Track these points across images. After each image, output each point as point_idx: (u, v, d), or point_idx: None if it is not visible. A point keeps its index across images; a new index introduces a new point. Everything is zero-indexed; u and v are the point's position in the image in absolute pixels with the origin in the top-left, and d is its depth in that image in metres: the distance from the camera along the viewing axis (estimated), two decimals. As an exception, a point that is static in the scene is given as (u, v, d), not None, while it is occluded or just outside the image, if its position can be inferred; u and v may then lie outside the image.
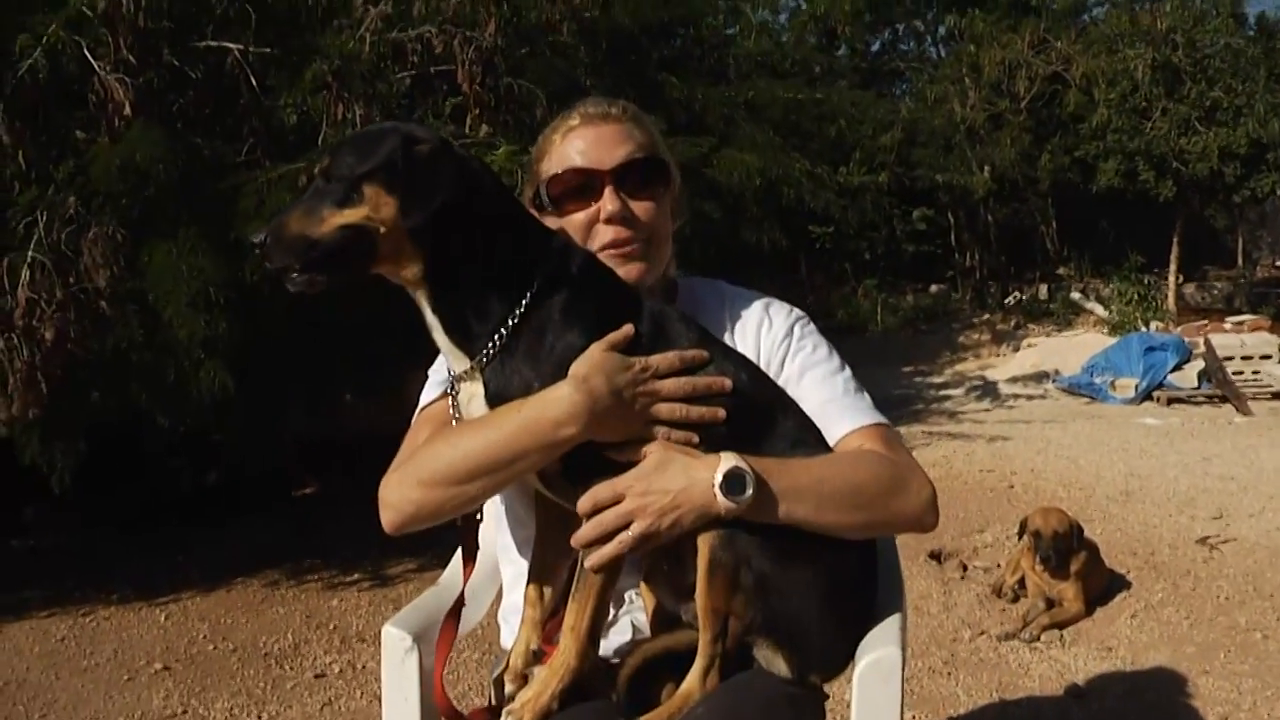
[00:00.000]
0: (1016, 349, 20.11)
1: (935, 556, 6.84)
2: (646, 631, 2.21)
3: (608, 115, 2.20)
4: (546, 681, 1.93)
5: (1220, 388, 14.36)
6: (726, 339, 2.22)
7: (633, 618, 2.25)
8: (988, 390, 16.43)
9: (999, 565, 6.63)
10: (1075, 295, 24.59)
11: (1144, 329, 18.91)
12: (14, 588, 6.74)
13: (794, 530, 1.92)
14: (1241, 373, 14.68)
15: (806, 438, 2.07)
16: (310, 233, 1.83)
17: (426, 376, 2.33)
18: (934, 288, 28.43)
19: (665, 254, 2.25)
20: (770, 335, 2.27)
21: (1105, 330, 20.26)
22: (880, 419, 2.17)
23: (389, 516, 2.02)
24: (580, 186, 2.15)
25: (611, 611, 2.14)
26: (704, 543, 1.90)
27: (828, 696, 2.12)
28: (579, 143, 2.17)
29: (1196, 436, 11.82)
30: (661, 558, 2.01)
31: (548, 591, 2.13)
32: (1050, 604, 5.86)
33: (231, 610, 6.32)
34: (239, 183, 5.75)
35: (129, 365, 5.79)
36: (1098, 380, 15.35)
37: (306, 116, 6.28)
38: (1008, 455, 10.76)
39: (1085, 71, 22.83)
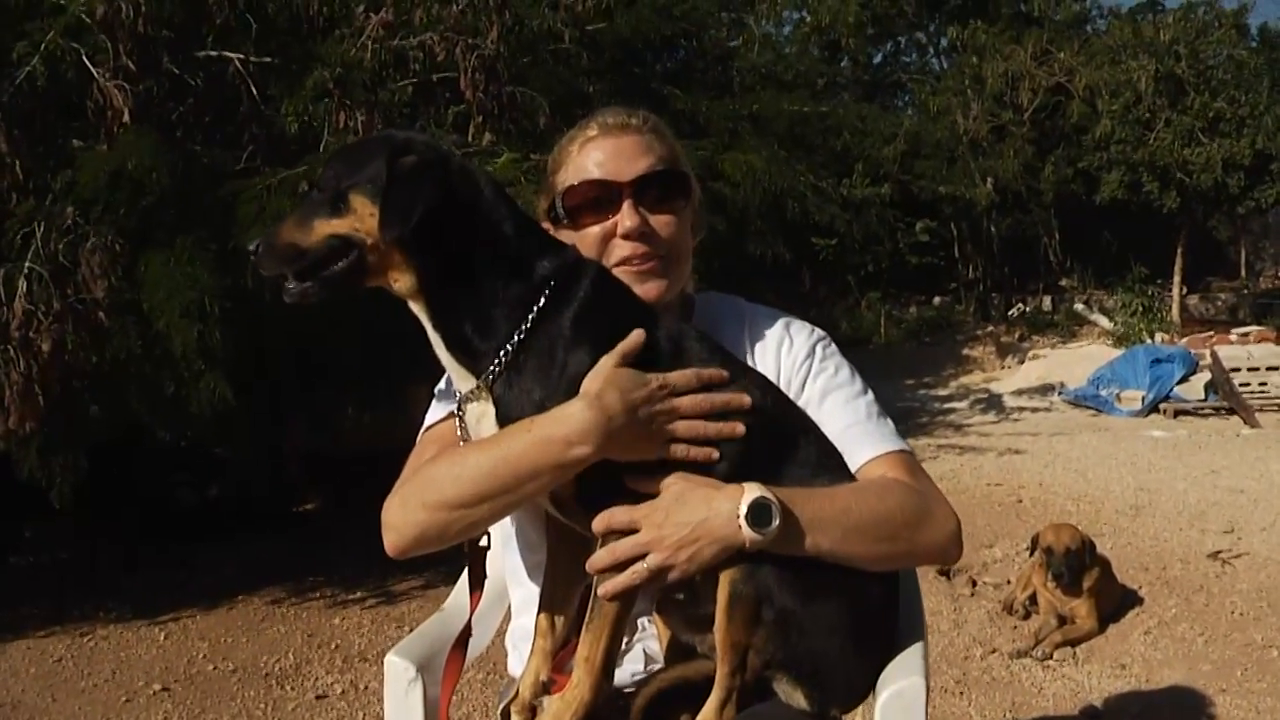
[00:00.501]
0: (1022, 361, 20.06)
1: (944, 573, 6.74)
2: (660, 660, 2.13)
3: (627, 126, 2.10)
4: (558, 715, 1.83)
5: (1227, 399, 14.30)
6: (745, 357, 2.13)
7: (645, 646, 2.17)
8: (993, 403, 16.38)
9: (1009, 581, 6.55)
10: (1079, 307, 24.56)
11: (1149, 341, 18.84)
12: (13, 605, 6.66)
13: (816, 560, 1.84)
14: (1248, 384, 14.61)
15: (828, 463, 1.98)
16: (300, 242, 1.80)
17: (432, 392, 2.24)
18: (937, 299, 28.43)
19: (685, 271, 2.16)
20: (791, 355, 2.17)
21: (1110, 342, 20.21)
22: (903, 446, 2.09)
23: (391, 539, 1.93)
24: (597, 199, 2.06)
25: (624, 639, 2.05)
26: (724, 575, 1.81)
27: None
28: (597, 154, 2.08)
29: (1204, 449, 11.74)
30: (675, 586, 1.92)
31: (559, 620, 2.03)
32: (1062, 621, 5.77)
33: (232, 629, 6.23)
34: (238, 191, 5.68)
35: (128, 377, 5.71)
36: (1104, 393, 15.28)
37: (308, 125, 6.21)
38: (1015, 469, 10.69)
39: (1088, 83, 22.86)
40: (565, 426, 1.77)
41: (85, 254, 5.32)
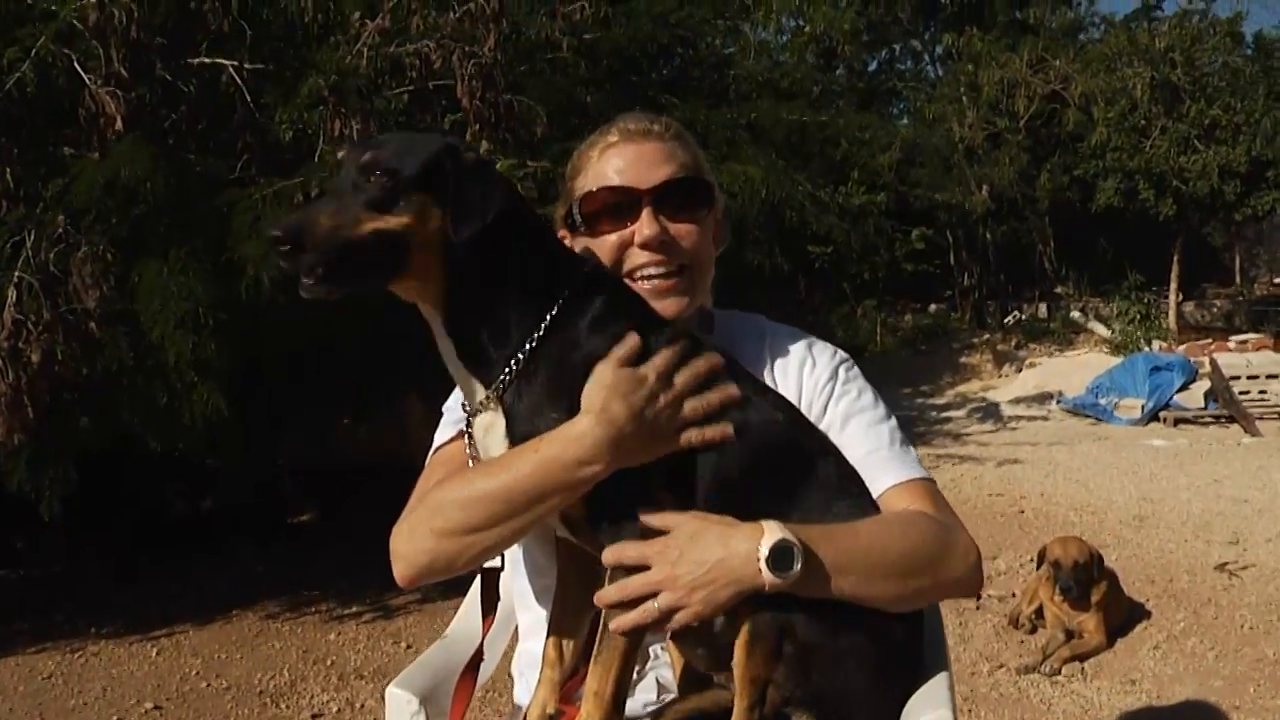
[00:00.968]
0: (1019, 369, 20.01)
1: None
2: (673, 689, 2.05)
3: (649, 132, 2.03)
4: (570, 750, 1.75)
5: (1227, 408, 14.24)
6: (766, 377, 2.06)
7: (659, 674, 2.09)
8: (990, 412, 16.31)
9: (1014, 594, 6.47)
10: (1075, 314, 24.52)
11: (1147, 348, 18.79)
12: (1, 620, 6.55)
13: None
14: (1248, 392, 14.56)
15: (849, 487, 1.90)
16: (346, 235, 1.63)
17: (437, 410, 2.15)
18: (933, 307, 28.37)
19: (705, 283, 2.07)
20: (813, 376, 2.09)
21: (1107, 350, 20.15)
22: (925, 474, 2.01)
23: (401, 569, 1.86)
24: (616, 206, 1.98)
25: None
26: (744, 607, 1.73)
27: None
28: (617, 160, 2.00)
29: (1205, 458, 11.67)
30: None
31: (567, 648, 1.95)
32: (1070, 635, 5.68)
33: (226, 645, 6.13)
34: (232, 200, 5.59)
35: (119, 388, 5.62)
36: (1103, 401, 15.22)
37: (302, 133, 6.13)
38: (1016, 479, 10.61)
39: (1084, 90, 22.78)
40: (574, 447, 1.69)
41: (76, 263, 5.23)
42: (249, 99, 5.88)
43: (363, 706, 5.18)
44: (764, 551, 1.67)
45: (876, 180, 20.93)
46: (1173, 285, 24.37)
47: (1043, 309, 27.01)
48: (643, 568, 1.71)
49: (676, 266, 1.99)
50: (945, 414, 16.43)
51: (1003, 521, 8.68)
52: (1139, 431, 13.93)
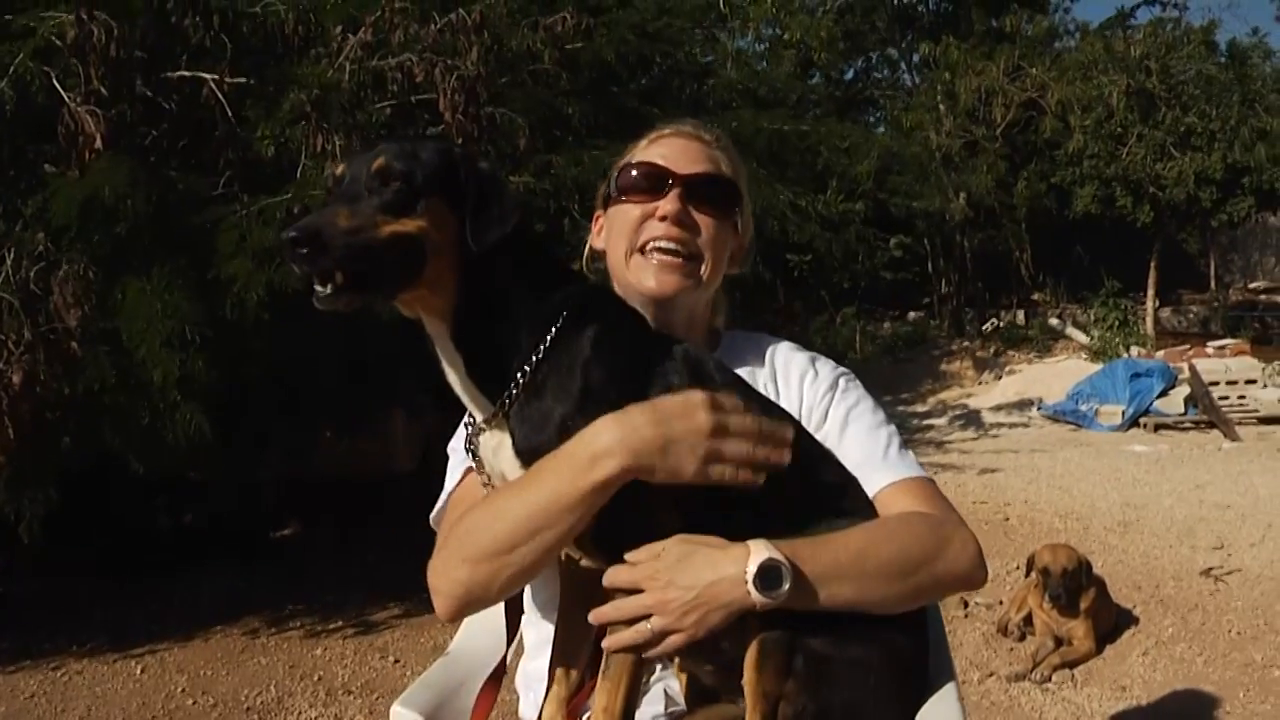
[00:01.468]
0: (999, 376, 20.05)
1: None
2: (681, 701, 2.05)
3: (700, 136, 2.17)
4: (580, 767, 1.74)
5: (1207, 413, 14.32)
6: (767, 390, 2.08)
7: (666, 685, 2.09)
8: (972, 419, 16.35)
9: (1001, 602, 6.47)
10: (1053, 321, 24.59)
11: (1126, 354, 18.87)
12: (-16, 638, 6.46)
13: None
14: (1227, 398, 14.67)
15: (848, 494, 1.92)
16: (363, 235, 1.60)
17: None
18: (912, 315, 28.42)
19: (712, 282, 2.12)
20: (815, 386, 2.14)
21: (1085, 356, 20.22)
22: (922, 473, 2.03)
23: (441, 604, 1.85)
24: (649, 177, 2.08)
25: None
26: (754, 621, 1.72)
27: None
28: (663, 148, 2.12)
29: (1187, 463, 11.73)
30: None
31: (573, 664, 1.95)
32: (1059, 642, 5.69)
33: (211, 661, 6.06)
34: (216, 218, 5.54)
35: (101, 408, 5.54)
36: (1083, 407, 15.28)
37: (284, 148, 6.08)
38: (999, 486, 10.63)
39: (1060, 98, 22.87)
40: (588, 443, 1.69)
41: (57, 282, 5.16)
42: (230, 114, 5.83)
43: (351, 723, 5.15)
44: (751, 573, 1.67)
45: (855, 189, 20.93)
46: (1150, 291, 24.47)
47: (1020, 316, 27.10)
48: (638, 590, 1.71)
49: (689, 251, 2.04)
50: (927, 421, 16.47)
51: (988, 529, 8.69)
52: (1120, 437, 13.98)
